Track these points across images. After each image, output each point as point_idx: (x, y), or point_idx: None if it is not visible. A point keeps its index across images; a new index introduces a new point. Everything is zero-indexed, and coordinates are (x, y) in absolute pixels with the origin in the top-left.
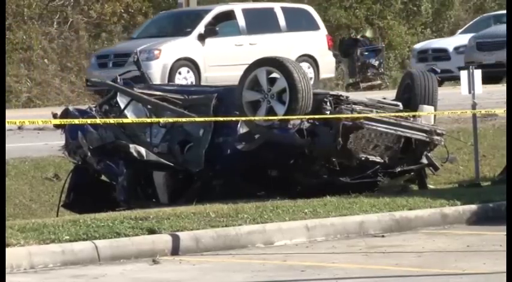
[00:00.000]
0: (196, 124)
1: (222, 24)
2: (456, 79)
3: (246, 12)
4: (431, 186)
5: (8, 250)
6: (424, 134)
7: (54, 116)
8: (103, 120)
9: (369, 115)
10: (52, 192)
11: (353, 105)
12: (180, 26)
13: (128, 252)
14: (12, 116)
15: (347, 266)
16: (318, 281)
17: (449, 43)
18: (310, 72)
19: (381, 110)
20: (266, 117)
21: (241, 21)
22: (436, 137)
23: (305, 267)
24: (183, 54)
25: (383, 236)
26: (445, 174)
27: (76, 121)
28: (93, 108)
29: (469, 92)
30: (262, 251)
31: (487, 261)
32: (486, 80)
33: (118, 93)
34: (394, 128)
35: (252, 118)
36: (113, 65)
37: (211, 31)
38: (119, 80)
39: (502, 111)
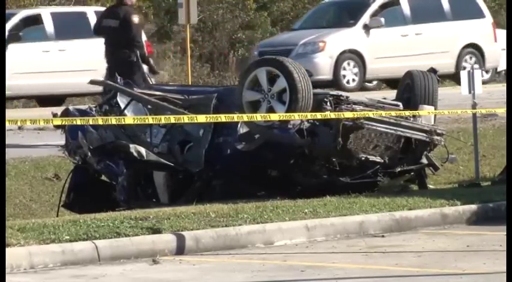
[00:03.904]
0: (196, 124)
1: (29, 29)
2: None
3: (54, 16)
4: (431, 186)
5: (8, 250)
6: (424, 134)
7: (55, 116)
8: (104, 117)
9: (369, 115)
10: (52, 192)
11: (353, 105)
12: None
13: (128, 252)
14: (13, 115)
15: (347, 266)
16: (318, 281)
17: None
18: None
19: (381, 110)
20: (266, 114)
21: (49, 26)
22: (436, 137)
23: (305, 267)
24: None
25: (383, 236)
26: (445, 174)
27: (78, 120)
28: (93, 108)
29: (469, 92)
30: (262, 251)
31: (487, 261)
32: None
33: (118, 94)
34: (394, 128)
35: (253, 114)
36: None
37: (14, 36)
38: (119, 80)
39: (502, 111)
